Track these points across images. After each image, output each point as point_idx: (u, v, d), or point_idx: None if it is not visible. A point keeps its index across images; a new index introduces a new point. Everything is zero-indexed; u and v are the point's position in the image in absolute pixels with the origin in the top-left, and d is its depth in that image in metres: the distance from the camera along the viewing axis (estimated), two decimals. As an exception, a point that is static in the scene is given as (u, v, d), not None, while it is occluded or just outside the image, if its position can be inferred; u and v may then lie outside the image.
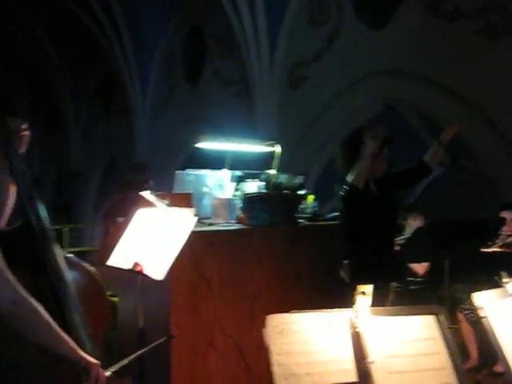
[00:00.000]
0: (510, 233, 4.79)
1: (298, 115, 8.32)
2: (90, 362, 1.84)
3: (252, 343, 3.22)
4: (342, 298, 2.73)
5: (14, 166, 2.03)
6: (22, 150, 2.11)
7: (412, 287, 4.64)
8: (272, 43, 8.54)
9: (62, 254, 2.10)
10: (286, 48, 8.53)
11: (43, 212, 2.09)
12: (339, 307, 2.22)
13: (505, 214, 4.86)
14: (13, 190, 2.06)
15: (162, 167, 10.45)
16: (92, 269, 2.36)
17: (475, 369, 4.61)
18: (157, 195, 2.84)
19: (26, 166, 2.08)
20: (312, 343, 2.03)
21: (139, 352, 2.32)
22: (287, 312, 2.19)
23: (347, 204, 3.31)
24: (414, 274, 4.83)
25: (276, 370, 1.98)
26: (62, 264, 2.08)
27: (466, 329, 4.72)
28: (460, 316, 4.75)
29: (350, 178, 3.22)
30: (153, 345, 2.40)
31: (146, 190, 2.74)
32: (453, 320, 4.55)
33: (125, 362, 2.20)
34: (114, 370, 2.04)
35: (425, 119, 7.22)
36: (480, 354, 4.67)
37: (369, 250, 3.22)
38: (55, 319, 1.96)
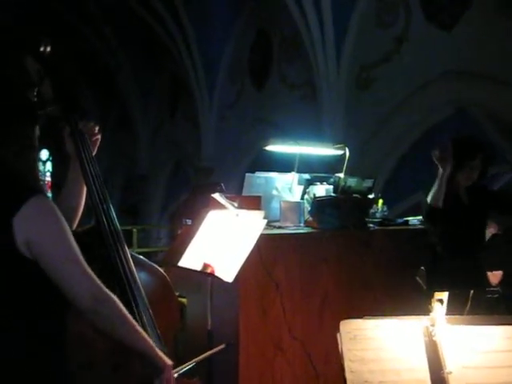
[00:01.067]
0: None
1: (365, 118, 8.21)
2: (164, 362, 1.84)
3: (320, 347, 3.19)
4: (413, 304, 2.67)
5: (87, 168, 2.09)
6: (94, 152, 2.16)
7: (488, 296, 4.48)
8: (339, 45, 8.46)
9: (130, 256, 2.14)
10: (353, 50, 8.44)
11: (113, 214, 2.13)
12: (410, 314, 2.16)
13: None
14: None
15: (227, 170, 10.56)
16: (162, 271, 2.40)
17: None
18: (227, 198, 2.85)
19: (97, 169, 2.13)
20: (386, 351, 1.98)
21: (201, 357, 2.32)
22: (357, 317, 2.15)
23: (428, 222, 3.46)
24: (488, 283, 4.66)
25: (349, 376, 1.94)
26: (132, 263, 2.12)
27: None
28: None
29: (429, 198, 3.31)
30: (212, 351, 2.40)
31: (217, 192, 2.76)
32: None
33: (189, 364, 2.20)
34: (182, 371, 2.03)
35: (496, 121, 6.97)
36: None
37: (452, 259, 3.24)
38: None
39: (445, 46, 7.12)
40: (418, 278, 2.64)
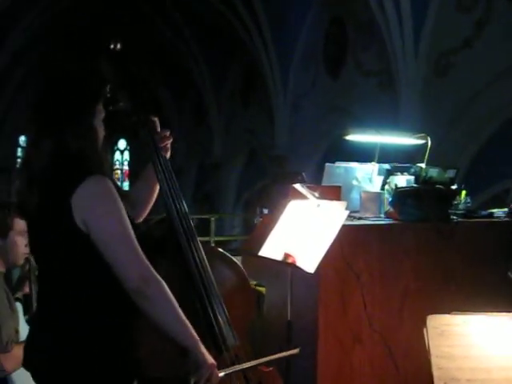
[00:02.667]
0: None
1: (443, 106, 7.98)
2: (206, 360, 1.80)
3: (401, 340, 3.14)
4: (503, 300, 2.57)
5: (159, 170, 2.12)
6: (167, 155, 2.18)
7: None
8: (417, 31, 8.25)
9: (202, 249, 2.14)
10: (431, 36, 8.21)
11: (186, 210, 2.15)
12: (498, 311, 2.09)
13: None
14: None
15: (301, 159, 10.52)
16: (238, 262, 2.40)
17: None
18: (308, 187, 2.83)
19: (170, 170, 2.15)
20: (476, 348, 1.92)
21: (263, 359, 2.28)
22: (438, 311, 2.09)
23: None
24: None
25: (436, 373, 1.90)
26: (205, 258, 2.13)
27: None
28: None
29: None
30: (277, 356, 2.37)
31: (298, 182, 2.75)
32: None
33: (252, 363, 2.16)
34: (229, 371, 1.97)
35: None
36: None
37: None
38: (197, 312, 2.00)
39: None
40: (510, 274, 2.54)
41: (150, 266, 1.76)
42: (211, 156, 14.60)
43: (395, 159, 4.01)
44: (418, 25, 8.19)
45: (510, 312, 1.99)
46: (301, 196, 2.77)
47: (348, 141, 3.99)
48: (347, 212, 2.63)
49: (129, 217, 1.81)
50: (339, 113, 9.79)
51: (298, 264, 2.53)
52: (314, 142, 10.55)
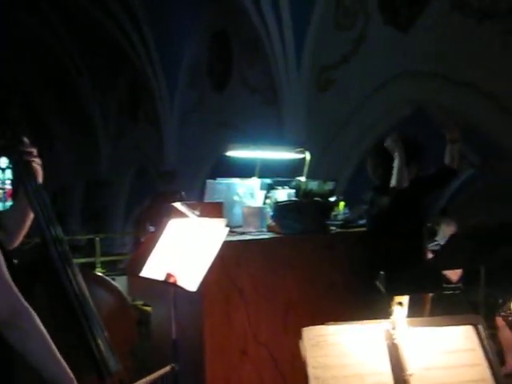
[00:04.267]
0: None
1: (325, 120, 8.29)
2: None
3: (286, 352, 3.20)
4: (378, 308, 2.70)
5: (29, 191, 2.04)
6: (40, 178, 2.09)
7: (445, 293, 4.56)
8: (298, 48, 8.52)
9: (79, 273, 2.09)
10: (312, 52, 8.51)
11: (59, 233, 2.08)
12: (375, 318, 2.18)
13: None
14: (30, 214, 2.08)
15: (190, 174, 10.52)
16: (116, 285, 2.36)
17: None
18: (188, 205, 2.84)
19: (43, 192, 2.07)
20: (349, 356, 2.00)
21: (142, 381, 2.27)
22: (321, 321, 2.16)
23: (397, 206, 3.33)
24: (448, 281, 4.74)
25: (313, 383, 1.95)
26: (83, 283, 2.07)
27: (506, 334, 4.62)
28: (499, 321, 4.65)
29: (393, 182, 3.30)
30: (156, 374, 2.36)
31: (178, 200, 2.75)
32: (490, 326, 4.47)
33: None
34: None
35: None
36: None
37: (401, 258, 3.25)
38: (77, 338, 1.94)
39: (402, 46, 7.24)
40: (377, 283, 2.67)
41: (19, 296, 1.68)
42: (100, 173, 14.25)
43: (278, 173, 4.11)
44: (299, 42, 8.47)
45: (378, 319, 2.09)
46: (181, 215, 2.77)
47: (233, 157, 4.05)
48: (227, 229, 2.66)
49: (0, 243, 1.72)
50: (226, 129, 9.88)
51: (180, 283, 2.53)
52: (203, 158, 10.57)
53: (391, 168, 3.32)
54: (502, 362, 4.66)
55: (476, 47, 6.46)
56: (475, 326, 2.13)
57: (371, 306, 2.87)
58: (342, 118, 8.09)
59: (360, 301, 3.17)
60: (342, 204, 3.82)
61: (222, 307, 3.10)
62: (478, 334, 2.12)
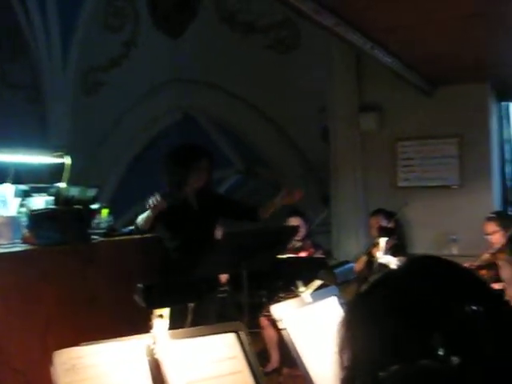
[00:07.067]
0: (298, 238, 5.02)
1: (94, 123, 7.96)
2: None
3: (46, 378, 2.90)
4: (141, 322, 2.57)
5: None
6: None
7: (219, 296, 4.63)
8: (65, 47, 8.07)
9: None
10: (80, 52, 8.13)
11: None
12: (139, 333, 2.05)
13: (292, 221, 5.09)
14: None
15: None
16: None
17: (277, 371, 4.72)
18: None
19: None
20: (107, 377, 1.84)
21: None
22: (85, 339, 1.97)
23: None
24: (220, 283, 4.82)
25: (66, 411, 1.76)
26: None
27: (270, 333, 4.82)
28: (263, 321, 4.84)
29: (138, 220, 3.48)
30: None
31: None
32: (255, 325, 4.64)
33: None
34: None
35: (219, 126, 7.34)
36: (281, 355, 4.78)
37: (178, 267, 3.27)
38: None
39: (173, 53, 7.27)
40: (136, 297, 2.56)
41: None
42: None
43: (40, 180, 3.80)
44: (66, 40, 8.02)
45: (140, 334, 1.96)
46: None
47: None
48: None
49: None
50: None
51: None
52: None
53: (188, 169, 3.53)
54: (267, 359, 4.86)
55: (242, 59, 6.74)
56: (237, 332, 2.12)
57: (137, 322, 2.73)
58: (111, 123, 7.86)
59: (125, 316, 3.01)
60: (105, 211, 3.64)
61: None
62: (240, 340, 2.12)
